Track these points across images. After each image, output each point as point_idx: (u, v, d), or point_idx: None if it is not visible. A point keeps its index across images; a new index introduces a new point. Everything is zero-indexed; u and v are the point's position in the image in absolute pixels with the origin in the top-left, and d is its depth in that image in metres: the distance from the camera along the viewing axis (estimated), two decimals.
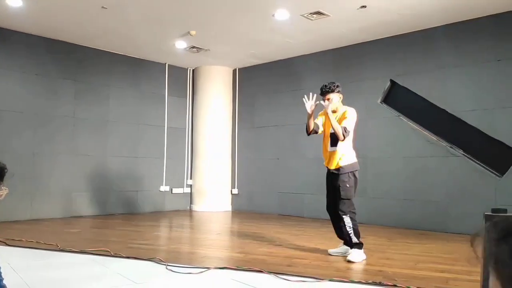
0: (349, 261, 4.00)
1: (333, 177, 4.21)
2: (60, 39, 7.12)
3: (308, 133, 4.30)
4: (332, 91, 4.22)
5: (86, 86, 7.50)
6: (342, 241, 4.31)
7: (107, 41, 7.28)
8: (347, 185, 4.12)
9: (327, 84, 4.28)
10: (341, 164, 4.15)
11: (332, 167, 4.21)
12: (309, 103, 4.17)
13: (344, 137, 4.09)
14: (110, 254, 4.17)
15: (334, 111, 4.21)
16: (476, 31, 5.85)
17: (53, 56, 7.11)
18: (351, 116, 4.18)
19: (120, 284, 3.24)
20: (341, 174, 4.14)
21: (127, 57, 8.04)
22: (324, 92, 4.24)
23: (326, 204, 4.39)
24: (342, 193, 4.11)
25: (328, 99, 4.20)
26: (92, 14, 6.00)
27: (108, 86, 7.78)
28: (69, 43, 7.27)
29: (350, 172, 4.15)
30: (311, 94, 4.21)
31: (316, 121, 4.33)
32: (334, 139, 4.19)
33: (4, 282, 2.41)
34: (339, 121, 4.16)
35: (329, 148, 4.26)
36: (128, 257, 4.07)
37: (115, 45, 7.49)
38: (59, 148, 7.13)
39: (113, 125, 7.83)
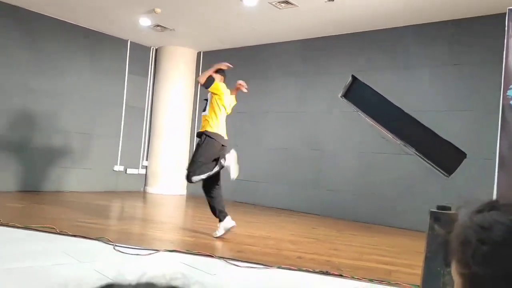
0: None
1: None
2: (18, 5, 6.73)
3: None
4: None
5: (41, 57, 7.15)
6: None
7: (67, 12, 6.95)
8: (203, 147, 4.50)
9: None
10: (207, 129, 4.57)
11: (200, 130, 4.63)
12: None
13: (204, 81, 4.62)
14: (56, 232, 4.03)
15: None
16: (438, 35, 6.02)
17: (9, 21, 6.73)
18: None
19: (63, 262, 3.14)
20: (202, 137, 4.55)
21: (88, 30, 7.71)
22: None
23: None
24: (196, 154, 4.50)
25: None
26: None
27: (65, 59, 7.45)
28: (28, 10, 6.88)
29: (209, 137, 4.54)
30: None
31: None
32: (205, 106, 4.70)
33: None
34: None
35: (202, 113, 4.72)
36: (74, 236, 3.95)
37: (76, 16, 7.17)
38: (8, 119, 6.79)
39: (68, 99, 7.52)
